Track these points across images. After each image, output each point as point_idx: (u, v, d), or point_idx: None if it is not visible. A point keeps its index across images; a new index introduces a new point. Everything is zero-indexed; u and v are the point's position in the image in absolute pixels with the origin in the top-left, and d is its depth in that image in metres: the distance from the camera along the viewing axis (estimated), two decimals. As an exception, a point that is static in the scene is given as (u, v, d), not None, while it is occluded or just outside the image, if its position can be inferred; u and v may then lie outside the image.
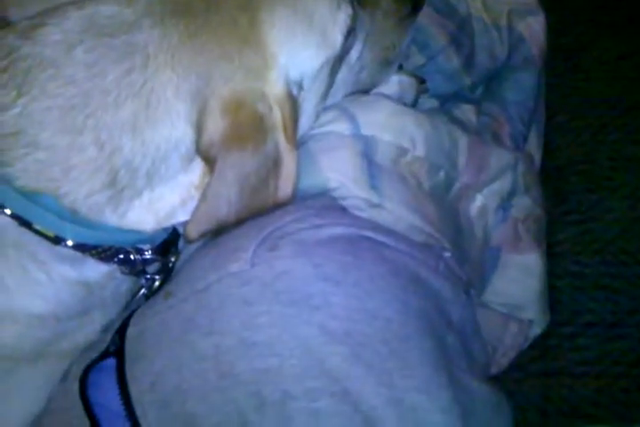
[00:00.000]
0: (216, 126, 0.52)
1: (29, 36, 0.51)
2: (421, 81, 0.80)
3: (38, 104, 0.50)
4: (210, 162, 0.53)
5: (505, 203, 0.80)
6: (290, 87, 0.55)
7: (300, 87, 0.57)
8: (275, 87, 0.54)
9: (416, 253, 0.60)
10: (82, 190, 0.51)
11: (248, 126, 0.53)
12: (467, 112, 0.85)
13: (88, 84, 0.50)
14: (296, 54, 0.56)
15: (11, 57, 0.51)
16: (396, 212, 0.63)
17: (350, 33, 0.61)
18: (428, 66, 0.84)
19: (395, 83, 0.74)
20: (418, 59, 0.84)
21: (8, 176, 0.50)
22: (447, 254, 0.64)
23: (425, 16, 0.83)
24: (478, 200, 0.77)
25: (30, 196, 0.50)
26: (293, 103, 0.56)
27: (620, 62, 1.37)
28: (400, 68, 0.78)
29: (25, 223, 0.51)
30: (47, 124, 0.50)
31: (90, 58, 0.50)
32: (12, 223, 0.51)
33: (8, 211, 0.51)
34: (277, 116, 0.54)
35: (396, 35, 0.71)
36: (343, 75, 0.65)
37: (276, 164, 0.55)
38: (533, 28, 0.93)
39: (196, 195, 0.55)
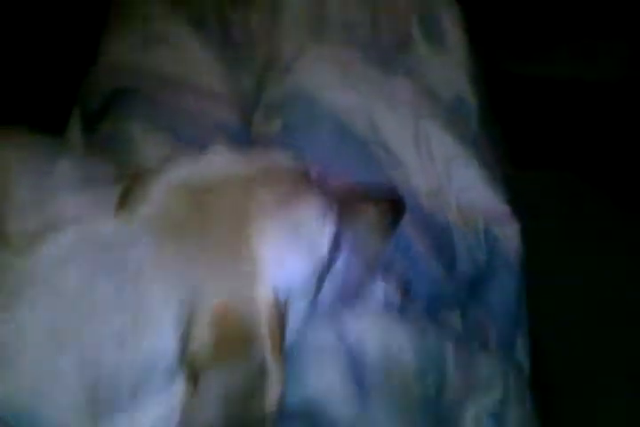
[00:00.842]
0: (203, 338, 0.51)
1: (22, 251, 0.52)
2: (405, 286, 0.82)
3: (26, 324, 0.49)
4: (193, 377, 0.51)
5: (497, 412, 0.77)
6: (278, 298, 0.56)
7: (289, 296, 0.58)
8: (263, 299, 0.54)
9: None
10: (60, 408, 0.48)
11: (235, 339, 0.52)
12: (451, 317, 0.85)
13: (77, 304, 0.50)
14: (284, 265, 0.57)
15: (3, 274, 0.51)
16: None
17: (336, 243, 0.64)
18: (410, 271, 0.87)
19: (379, 289, 0.76)
20: (401, 264, 0.87)
21: None
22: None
23: (406, 223, 0.88)
24: (471, 409, 0.74)
25: None
26: (281, 314, 0.56)
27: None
28: (384, 274, 0.80)
29: None
30: (31, 345, 0.49)
31: (82, 275, 0.51)
32: None
33: None
34: (265, 328, 0.53)
35: (379, 243, 0.75)
36: (329, 282, 0.66)
37: (262, 376, 0.54)
38: (509, 233, 0.99)
39: (178, 414, 0.52)
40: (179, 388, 0.52)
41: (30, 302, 0.50)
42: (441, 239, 0.92)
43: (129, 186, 0.59)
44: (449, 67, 1.12)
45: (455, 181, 1.01)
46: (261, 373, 0.53)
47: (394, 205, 0.77)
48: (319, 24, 1.06)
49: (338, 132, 0.96)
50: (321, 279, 0.63)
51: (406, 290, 0.82)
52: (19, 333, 0.49)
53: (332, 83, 1.00)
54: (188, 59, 1.04)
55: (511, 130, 1.24)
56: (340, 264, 0.67)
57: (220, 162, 0.61)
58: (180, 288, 0.52)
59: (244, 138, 0.97)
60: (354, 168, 0.93)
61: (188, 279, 0.52)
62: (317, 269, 0.61)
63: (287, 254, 0.58)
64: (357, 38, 1.05)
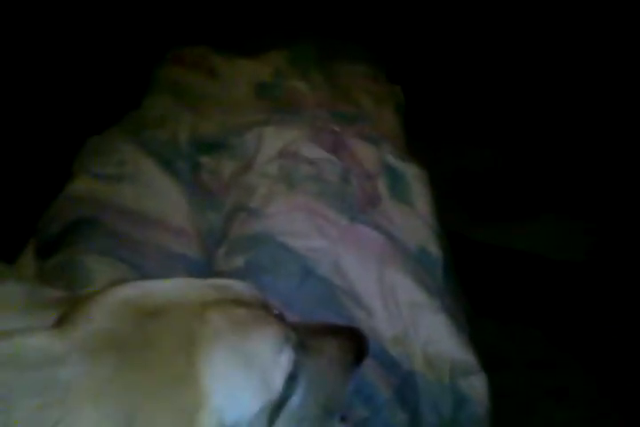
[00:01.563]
0: None
1: None
2: None
3: None
4: None
5: None
6: None
7: None
8: None
9: None
10: None
11: None
12: None
13: None
14: (232, 396, 0.52)
15: None
16: None
17: (292, 378, 0.59)
18: (372, 419, 0.81)
19: None
20: (362, 411, 0.81)
21: None
22: None
23: (369, 368, 0.84)
24: None
25: None
26: None
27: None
28: (343, 420, 0.74)
29: None
30: None
31: (3, 392, 0.45)
32: None
33: None
34: None
35: (339, 383, 0.69)
36: (283, 422, 0.59)
37: None
38: (476, 387, 0.94)
39: None
40: None
41: None
42: (405, 388, 0.86)
43: (71, 306, 0.55)
44: (413, 219, 1.16)
45: (422, 330, 0.99)
46: None
47: (356, 343, 0.72)
48: (291, 174, 1.11)
49: (302, 273, 0.96)
50: (272, 417, 0.57)
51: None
52: None
53: (300, 229, 1.02)
54: (153, 195, 1.06)
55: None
56: (294, 403, 0.61)
57: (173, 285, 0.58)
58: (112, 415, 0.46)
59: (204, 272, 0.95)
60: (316, 308, 0.91)
61: (123, 403, 0.47)
62: (269, 405, 0.55)
63: (236, 386, 0.53)
64: (327, 190, 1.10)
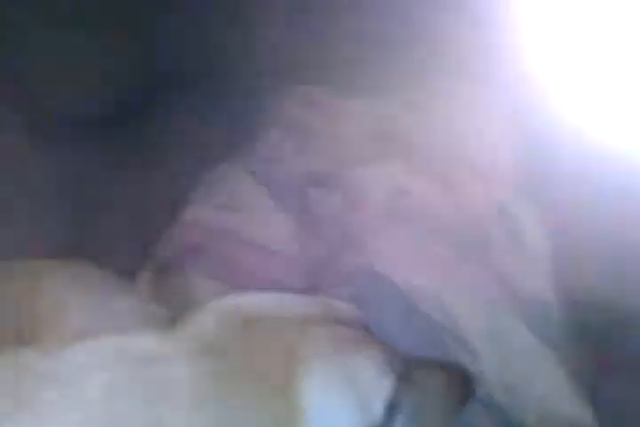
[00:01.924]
0: None
1: (49, 354, 0.50)
2: None
3: (32, 424, 0.45)
4: None
5: None
6: None
7: None
8: None
9: None
10: None
11: None
12: None
13: (93, 412, 0.45)
14: (328, 415, 0.50)
15: (24, 372, 0.48)
16: None
17: (393, 407, 0.55)
18: None
19: None
20: None
21: None
22: None
23: (475, 414, 0.78)
24: None
25: None
26: None
27: None
28: None
29: None
30: None
31: (106, 385, 0.47)
32: None
33: None
34: None
35: (443, 422, 0.65)
36: None
37: None
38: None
39: None
40: None
41: (49, 404, 0.45)
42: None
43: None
44: (528, 264, 1.09)
45: (538, 383, 0.91)
46: None
47: (463, 383, 0.67)
48: (399, 209, 1.09)
49: (406, 311, 0.93)
50: None
51: None
52: None
53: (405, 263, 0.99)
54: (261, 224, 1.09)
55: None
56: None
57: (279, 298, 0.59)
58: (210, 418, 0.46)
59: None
60: (419, 347, 0.86)
61: (221, 408, 0.47)
62: None
63: (334, 404, 0.50)
64: (437, 225, 1.06)
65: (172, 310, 0.79)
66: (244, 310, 0.55)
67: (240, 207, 1.11)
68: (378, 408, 0.52)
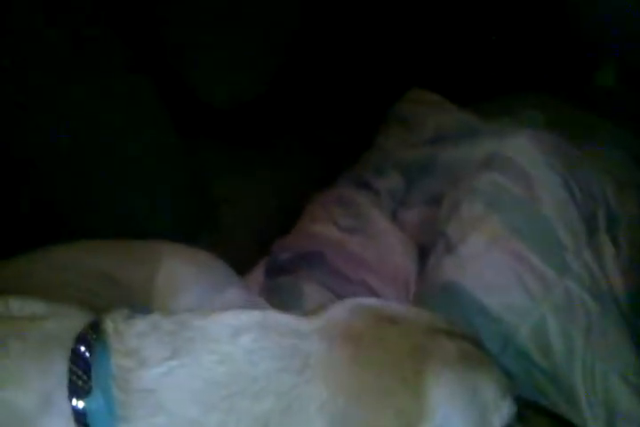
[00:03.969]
0: None
1: (204, 314, 0.53)
2: None
3: (185, 370, 0.48)
4: None
5: None
6: None
7: None
8: None
9: None
10: None
11: None
12: None
13: (239, 368, 0.49)
14: (452, 422, 0.50)
15: (181, 327, 0.52)
16: None
17: None
18: None
19: None
20: None
21: None
22: None
23: None
24: None
25: None
26: None
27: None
28: None
29: None
30: (182, 391, 0.48)
31: (252, 346, 0.50)
32: None
33: None
34: None
35: None
36: None
37: None
38: None
39: None
40: None
41: (195, 356, 0.49)
42: None
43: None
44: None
45: None
46: None
47: None
48: (495, 194, 0.95)
49: (501, 341, 0.84)
50: None
51: None
52: (170, 381, 0.48)
53: (499, 281, 0.88)
54: (377, 244, 1.06)
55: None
56: None
57: (407, 307, 0.62)
58: (338, 399, 0.48)
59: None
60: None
61: (350, 389, 0.48)
62: None
63: (456, 414, 0.50)
64: (537, 224, 0.92)
65: (275, 307, 0.79)
66: (375, 308, 0.57)
67: (362, 230, 1.09)
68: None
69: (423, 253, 1.02)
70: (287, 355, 0.50)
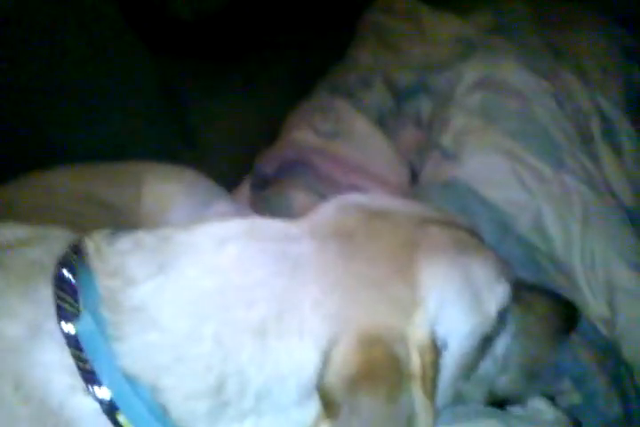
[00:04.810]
0: (346, 360, 0.44)
1: (187, 228, 0.52)
2: (576, 424, 0.68)
3: (172, 285, 0.47)
4: (330, 405, 0.44)
5: None
6: (434, 337, 0.48)
7: (444, 347, 0.49)
8: (418, 331, 0.47)
9: None
10: (183, 388, 0.45)
11: (383, 367, 0.45)
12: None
13: (228, 277, 0.47)
14: (446, 306, 0.50)
15: (164, 242, 0.51)
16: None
17: (503, 314, 0.54)
18: (584, 408, 0.71)
19: (550, 421, 0.64)
20: (574, 397, 0.72)
21: (114, 352, 0.45)
22: None
23: (581, 347, 0.74)
24: None
25: (129, 380, 0.45)
26: (436, 356, 0.47)
27: None
28: (553, 401, 0.68)
29: (110, 411, 0.45)
30: (172, 306, 0.46)
31: (239, 254, 0.49)
32: (96, 409, 0.45)
33: (106, 392, 0.45)
34: (417, 364, 0.45)
35: (546, 346, 0.63)
36: (485, 366, 0.55)
37: (409, 422, 0.45)
38: None
39: None
40: (311, 411, 0.46)
41: (180, 270, 0.48)
42: (619, 378, 0.73)
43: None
44: (623, 171, 0.98)
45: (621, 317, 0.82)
46: (409, 419, 0.45)
47: (568, 310, 0.65)
48: (491, 107, 1.00)
49: (499, 230, 0.86)
50: (477, 354, 0.52)
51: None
52: (158, 297, 0.47)
53: (499, 177, 0.91)
54: (363, 148, 1.07)
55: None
56: (500, 346, 0.56)
57: (397, 200, 0.60)
58: (333, 296, 0.47)
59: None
60: (517, 270, 0.81)
61: (344, 286, 0.48)
62: (479, 331, 0.52)
63: (450, 299, 0.50)
64: (532, 130, 0.96)
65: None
66: (365, 203, 0.56)
67: (345, 134, 1.09)
68: (491, 311, 0.52)
69: (414, 173, 1.04)
70: (278, 260, 0.49)
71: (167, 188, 0.80)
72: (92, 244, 0.50)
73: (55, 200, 0.72)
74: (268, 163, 1.08)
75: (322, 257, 0.49)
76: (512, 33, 1.16)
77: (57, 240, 0.52)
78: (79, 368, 0.44)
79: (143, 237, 0.50)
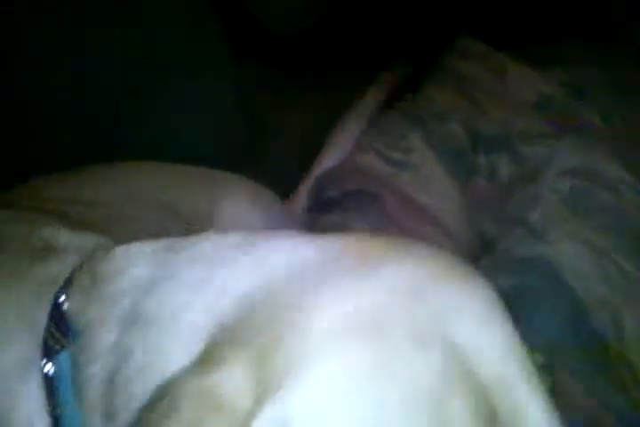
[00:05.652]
0: None
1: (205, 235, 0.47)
2: None
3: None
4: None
5: None
6: None
7: None
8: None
9: None
10: None
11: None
12: None
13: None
14: None
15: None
16: None
17: None
18: None
19: None
20: None
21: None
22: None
23: None
24: None
25: None
26: None
27: None
28: None
29: None
30: None
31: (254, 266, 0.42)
32: None
33: None
34: None
35: None
36: None
37: None
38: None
39: None
40: None
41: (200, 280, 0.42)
42: None
43: None
44: None
45: None
46: None
47: None
48: (581, 200, 0.96)
49: (572, 316, 0.84)
50: None
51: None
52: None
53: (584, 268, 0.88)
54: (432, 189, 1.03)
55: None
56: None
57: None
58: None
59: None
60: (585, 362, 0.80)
61: None
62: None
63: None
64: (624, 226, 0.94)
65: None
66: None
67: (414, 168, 1.05)
68: None
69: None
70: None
71: (247, 210, 0.78)
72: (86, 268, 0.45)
73: (141, 210, 0.68)
74: (331, 186, 1.05)
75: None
76: (594, 98, 1.12)
77: (87, 252, 0.48)
78: (49, 414, 0.41)
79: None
